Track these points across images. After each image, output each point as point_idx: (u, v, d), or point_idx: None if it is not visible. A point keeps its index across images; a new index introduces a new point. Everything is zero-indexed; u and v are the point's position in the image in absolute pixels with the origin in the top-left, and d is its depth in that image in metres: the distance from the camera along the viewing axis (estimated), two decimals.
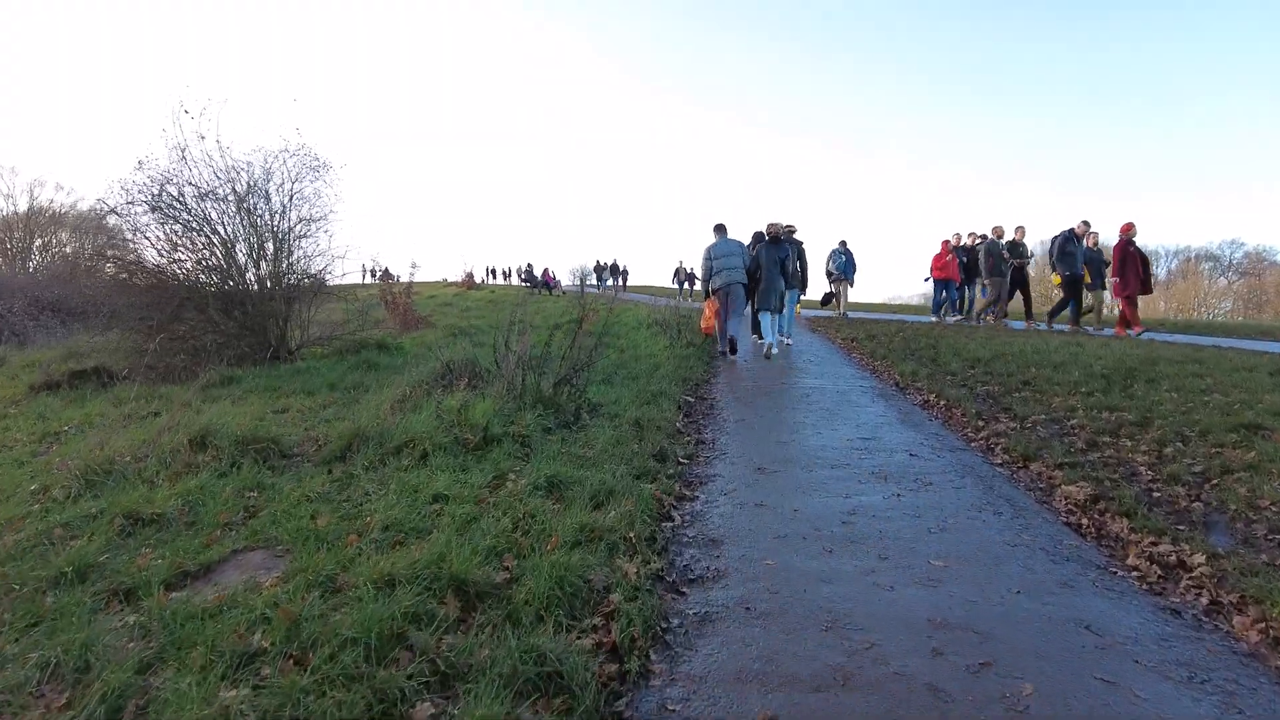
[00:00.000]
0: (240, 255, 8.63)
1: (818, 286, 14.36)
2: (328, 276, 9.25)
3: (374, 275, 47.61)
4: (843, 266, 13.73)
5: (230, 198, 8.45)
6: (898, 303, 38.63)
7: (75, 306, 16.93)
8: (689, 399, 5.99)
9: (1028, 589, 2.43)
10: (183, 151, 8.04)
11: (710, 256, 8.37)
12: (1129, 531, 3.00)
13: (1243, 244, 44.78)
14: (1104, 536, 3.01)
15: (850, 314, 14.84)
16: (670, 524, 3.07)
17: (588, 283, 35.00)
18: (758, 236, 9.28)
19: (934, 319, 12.41)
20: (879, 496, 3.38)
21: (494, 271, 45.52)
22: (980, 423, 4.95)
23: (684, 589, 2.46)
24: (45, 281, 19.71)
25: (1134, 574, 2.62)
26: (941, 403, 5.69)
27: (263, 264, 8.53)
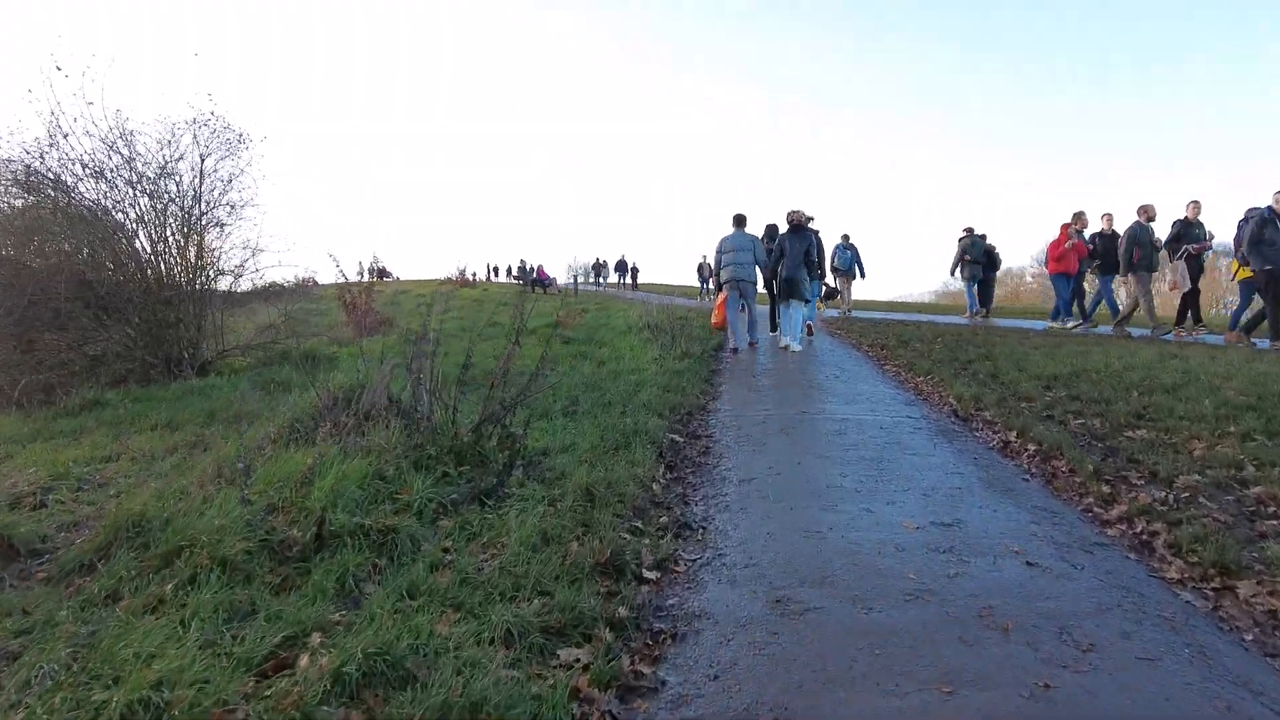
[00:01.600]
0: (143, 247, 7.08)
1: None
2: (252, 273, 7.69)
3: (371, 273, 46.53)
4: (847, 262, 12.83)
5: (127, 175, 6.89)
6: (910, 300, 36.76)
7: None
8: (676, 438, 4.38)
9: None
10: (56, 119, 6.48)
11: (720, 250, 8.09)
12: None
13: None
14: None
15: (855, 312, 13.56)
16: None
17: (587, 280, 33.50)
18: (770, 230, 9.02)
19: (1050, 324, 10.11)
20: (1010, 688, 1.75)
21: (495, 269, 44.04)
22: (1105, 488, 3.30)
23: None
24: None
25: None
26: (1030, 447, 4.04)
27: (160, 259, 6.97)
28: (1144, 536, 2.79)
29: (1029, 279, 45.30)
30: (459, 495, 3.07)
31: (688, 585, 2.39)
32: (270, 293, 15.98)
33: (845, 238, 13.04)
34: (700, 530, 2.89)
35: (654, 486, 3.42)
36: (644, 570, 2.45)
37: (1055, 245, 9.74)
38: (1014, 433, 4.34)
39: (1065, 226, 9.61)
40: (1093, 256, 9.51)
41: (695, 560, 2.59)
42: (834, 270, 12.96)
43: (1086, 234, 9.71)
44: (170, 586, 2.18)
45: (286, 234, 27.00)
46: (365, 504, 2.83)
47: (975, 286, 12.59)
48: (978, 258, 12.35)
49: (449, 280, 30.66)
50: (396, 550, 2.50)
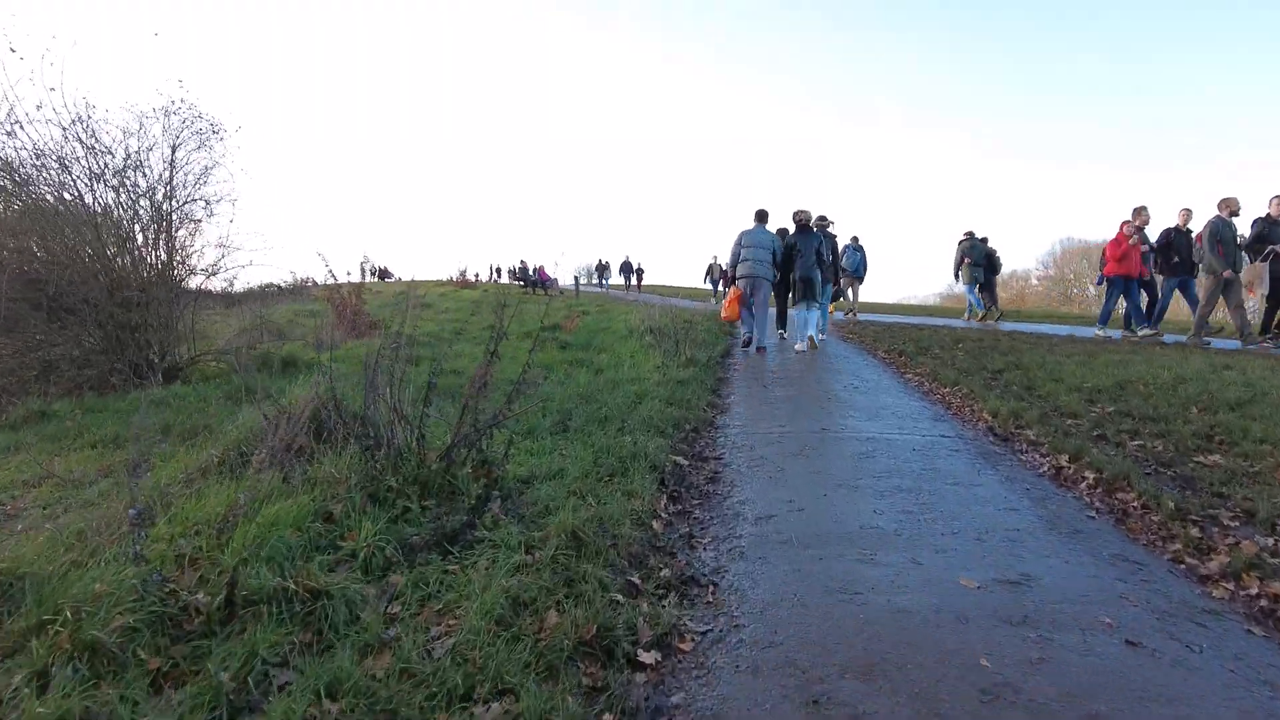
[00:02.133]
0: (107, 244, 6.58)
1: None
2: (226, 271, 7.19)
3: (374, 274, 46.16)
4: (856, 264, 12.57)
5: (86, 165, 6.41)
6: (915, 302, 36.07)
7: None
8: (680, 460, 3.85)
9: None
10: (11, 106, 6.01)
11: (739, 244, 7.86)
12: None
13: None
14: None
15: (862, 315, 13.22)
16: None
17: (590, 281, 32.99)
18: (783, 232, 8.89)
19: (1098, 331, 9.04)
20: None
21: (499, 270, 43.52)
22: (1194, 530, 2.76)
23: None
24: None
25: None
26: (1088, 475, 3.49)
27: (126, 256, 6.48)
28: (1264, 601, 2.25)
29: (1034, 281, 44.61)
30: (419, 539, 2.55)
31: (697, 673, 1.86)
32: (267, 294, 15.52)
33: (855, 239, 12.78)
34: (710, 588, 2.36)
35: (654, 525, 2.89)
36: (640, 651, 1.92)
37: (1114, 244, 8.70)
38: (1065, 456, 3.80)
39: (1125, 224, 8.66)
40: (1161, 256, 8.50)
41: (705, 634, 2.06)
42: (842, 271, 12.73)
43: (1156, 232, 8.69)
44: (18, 679, 1.67)
45: (266, 232, 26.48)
46: (301, 554, 2.31)
47: (976, 289, 12.44)
48: (978, 260, 12.21)
49: (448, 281, 30.22)
50: (327, 620, 1.97)
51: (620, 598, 2.20)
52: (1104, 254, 9.01)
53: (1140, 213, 8.64)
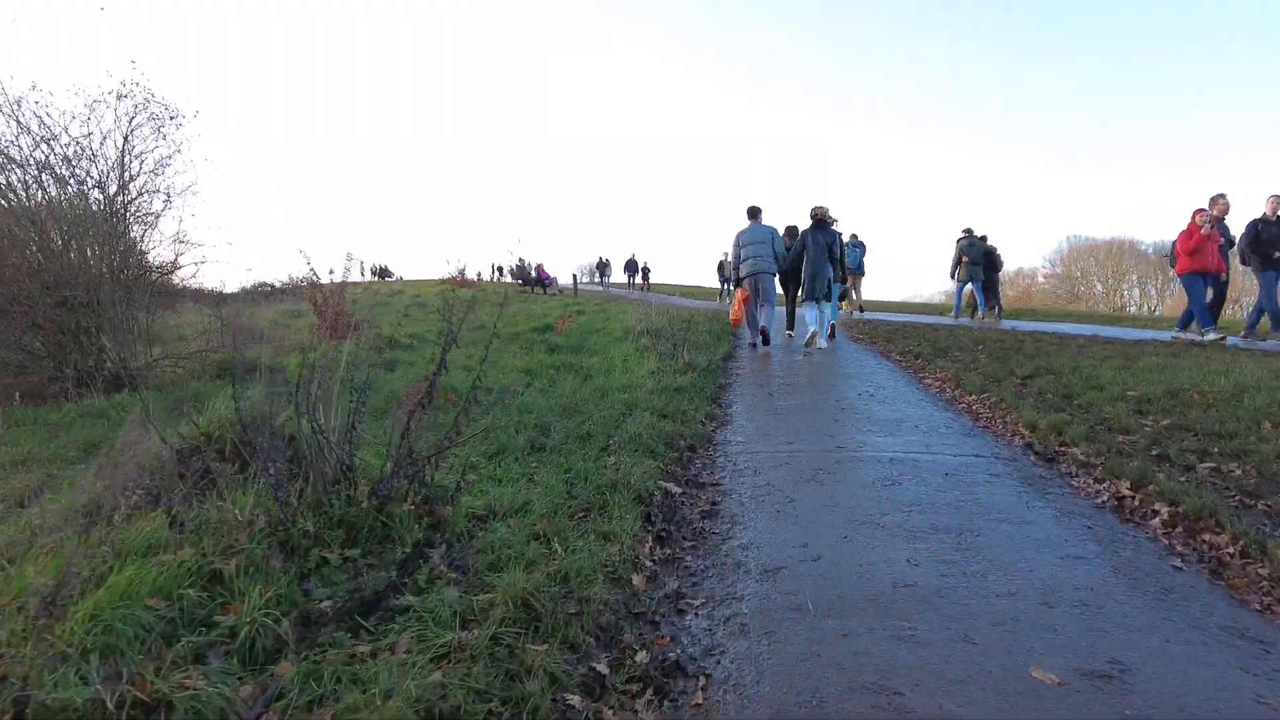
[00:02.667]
0: (54, 240, 6.06)
1: None
2: (183, 268, 6.66)
3: (374, 273, 45.47)
4: (856, 260, 12.57)
5: (25, 153, 5.89)
6: (919, 300, 35.33)
7: None
8: (672, 487, 3.28)
9: None
10: None
11: (738, 244, 7.88)
12: None
13: None
14: None
15: (869, 314, 12.91)
16: None
17: (591, 280, 32.45)
18: (791, 230, 8.96)
19: (1174, 334, 7.95)
20: None
21: (500, 269, 42.97)
22: None
23: None
24: None
25: None
26: (1160, 510, 2.91)
27: (72, 253, 5.94)
28: None
29: (1041, 279, 43.83)
30: (330, 606, 1.99)
31: None
32: (260, 294, 14.97)
33: (854, 236, 12.67)
34: (700, 680, 1.79)
35: (634, 579, 2.32)
36: None
37: (1185, 237, 7.51)
38: (1126, 483, 3.21)
39: (1198, 213, 7.49)
40: (1253, 251, 7.42)
41: None
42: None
43: (1236, 222, 7.72)
44: None
45: (267, 232, 26.12)
46: (162, 635, 1.75)
47: (969, 288, 12.10)
48: (976, 259, 11.90)
49: (445, 280, 29.69)
50: None
51: (577, 701, 1.63)
52: (1173, 249, 7.89)
53: (1218, 201, 7.56)
